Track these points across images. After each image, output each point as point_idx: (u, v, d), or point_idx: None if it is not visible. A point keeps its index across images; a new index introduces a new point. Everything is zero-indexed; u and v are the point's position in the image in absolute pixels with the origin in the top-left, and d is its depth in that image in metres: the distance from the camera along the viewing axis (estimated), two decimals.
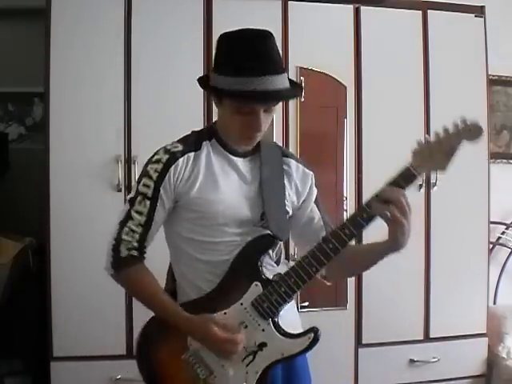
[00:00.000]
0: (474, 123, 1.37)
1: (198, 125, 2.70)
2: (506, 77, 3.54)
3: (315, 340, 1.42)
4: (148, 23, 2.67)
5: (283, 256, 1.61)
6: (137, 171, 2.63)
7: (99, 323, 2.61)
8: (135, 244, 1.47)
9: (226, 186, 1.47)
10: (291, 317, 1.53)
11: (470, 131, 1.38)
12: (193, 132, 1.57)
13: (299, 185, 1.58)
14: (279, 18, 2.79)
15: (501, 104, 3.58)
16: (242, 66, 1.35)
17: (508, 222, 3.48)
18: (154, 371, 1.49)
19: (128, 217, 1.47)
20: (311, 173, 1.61)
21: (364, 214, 1.38)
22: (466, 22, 3.01)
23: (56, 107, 2.60)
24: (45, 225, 2.60)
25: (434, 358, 2.97)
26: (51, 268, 2.60)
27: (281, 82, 1.38)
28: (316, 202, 1.61)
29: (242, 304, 1.43)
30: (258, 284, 1.43)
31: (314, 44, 2.82)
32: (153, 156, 1.50)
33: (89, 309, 2.60)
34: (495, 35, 3.11)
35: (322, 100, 2.88)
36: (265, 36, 1.39)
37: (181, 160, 1.45)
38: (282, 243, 1.59)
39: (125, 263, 1.48)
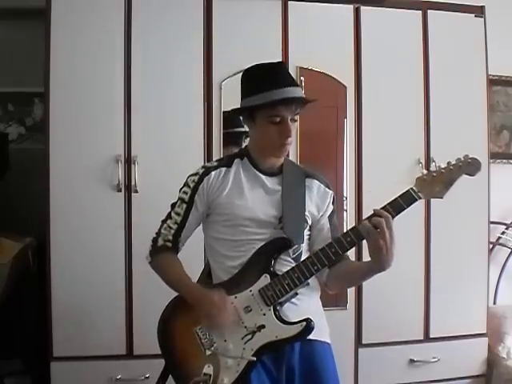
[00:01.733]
0: (474, 158, 1.62)
1: (198, 124, 2.72)
2: (506, 77, 3.54)
3: (306, 328, 1.63)
4: (148, 23, 2.67)
5: (303, 255, 1.76)
6: (137, 171, 2.63)
7: (99, 323, 2.61)
8: (170, 237, 1.78)
9: (250, 194, 1.75)
10: (315, 308, 1.78)
11: (469, 164, 1.60)
12: (228, 154, 1.92)
13: (319, 201, 1.81)
14: (279, 18, 2.79)
15: (501, 104, 3.59)
16: (273, 82, 1.68)
17: (508, 221, 3.48)
18: (169, 338, 1.75)
19: (168, 216, 1.80)
20: (331, 192, 1.85)
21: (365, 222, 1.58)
22: (466, 22, 3.01)
23: (56, 107, 2.60)
24: (45, 225, 2.60)
25: (433, 358, 2.97)
26: (51, 268, 2.60)
27: (299, 92, 1.72)
28: (330, 217, 1.82)
29: (250, 291, 1.67)
30: (267, 276, 1.67)
31: (314, 44, 2.82)
32: (193, 172, 1.81)
33: (89, 309, 2.60)
34: (495, 35, 3.11)
35: (322, 100, 2.86)
36: (280, 62, 1.87)
37: (213, 173, 1.77)
38: (303, 245, 1.78)
39: (159, 250, 1.79)
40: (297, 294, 1.69)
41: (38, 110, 3.24)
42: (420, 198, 1.61)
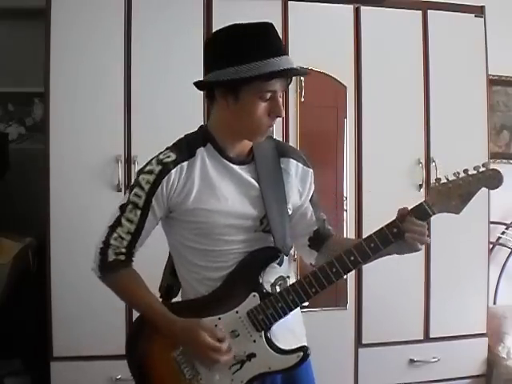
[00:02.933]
0: (495, 170, 1.41)
1: (198, 124, 2.71)
2: (506, 77, 3.54)
3: (303, 359, 1.43)
4: (148, 23, 2.67)
5: (286, 257, 1.57)
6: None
7: (99, 323, 2.61)
8: (123, 250, 1.48)
9: (223, 194, 1.45)
10: (294, 318, 1.52)
11: (490, 177, 1.40)
12: (186, 136, 1.55)
13: (299, 185, 1.57)
14: (279, 18, 2.79)
15: (501, 104, 3.58)
16: (266, 48, 1.37)
17: (508, 222, 3.48)
18: (142, 365, 1.52)
19: (118, 223, 1.48)
20: (310, 170, 1.60)
21: (372, 244, 1.40)
22: (466, 22, 3.01)
23: (56, 107, 2.60)
24: (45, 225, 2.60)
25: (433, 358, 2.97)
26: (51, 268, 2.60)
27: (293, 62, 1.41)
28: (311, 199, 1.60)
29: (237, 312, 1.43)
30: (256, 295, 1.43)
31: (314, 44, 2.82)
32: (145, 166, 1.49)
33: (89, 309, 2.60)
34: (495, 35, 3.11)
35: (322, 100, 2.88)
36: (269, 24, 1.41)
37: (173, 171, 1.44)
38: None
39: (111, 267, 1.49)
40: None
41: (38, 110, 3.24)
42: (434, 214, 1.42)
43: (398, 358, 2.94)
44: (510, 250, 3.47)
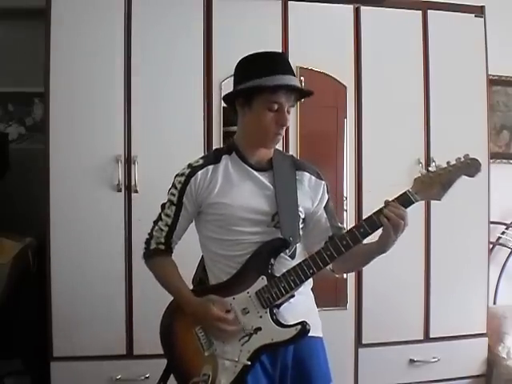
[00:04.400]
0: (473, 158, 1.57)
1: (198, 124, 2.72)
2: (506, 77, 3.54)
3: (302, 331, 1.63)
4: (148, 23, 2.67)
5: (299, 250, 1.76)
6: (137, 171, 2.63)
7: (99, 323, 2.61)
8: (162, 240, 1.77)
9: (241, 191, 1.71)
10: (308, 311, 1.76)
11: (468, 165, 1.56)
12: (215, 148, 1.89)
13: (311, 193, 1.79)
14: (279, 17, 2.79)
15: (501, 104, 3.59)
16: (275, 67, 1.66)
17: (508, 222, 3.48)
18: (170, 339, 1.77)
19: (159, 218, 1.79)
20: (323, 182, 1.82)
21: (361, 229, 1.60)
22: (466, 22, 3.01)
23: (56, 107, 2.60)
24: (45, 225, 2.60)
25: (433, 358, 2.97)
26: (51, 268, 2.60)
27: (298, 83, 1.70)
28: (326, 207, 1.80)
29: (248, 293, 1.67)
30: (264, 278, 1.66)
31: (314, 44, 2.82)
32: (179, 171, 1.77)
33: (89, 309, 2.61)
34: (495, 35, 3.12)
35: (322, 100, 2.88)
36: (282, 53, 1.82)
37: (199, 172, 1.72)
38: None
39: (152, 254, 1.79)
40: (293, 296, 1.68)
41: (38, 110, 3.24)
42: (417, 201, 1.59)
43: (398, 358, 2.94)
44: (510, 250, 3.47)
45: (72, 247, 2.60)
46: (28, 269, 2.79)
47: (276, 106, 1.66)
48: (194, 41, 2.71)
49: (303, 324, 1.63)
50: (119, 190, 2.63)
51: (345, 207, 2.86)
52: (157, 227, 1.78)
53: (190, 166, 1.76)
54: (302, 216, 1.76)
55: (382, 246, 1.62)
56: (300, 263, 1.65)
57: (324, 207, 1.80)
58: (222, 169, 1.73)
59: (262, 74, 1.64)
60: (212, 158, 1.77)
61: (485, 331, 3.07)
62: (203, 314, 1.66)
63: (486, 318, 3.07)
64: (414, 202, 1.59)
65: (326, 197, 1.82)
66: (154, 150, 2.67)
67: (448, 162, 1.58)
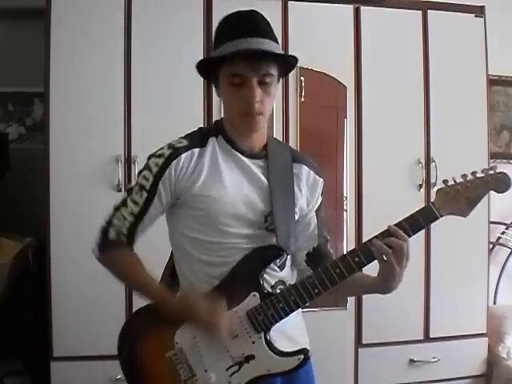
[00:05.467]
0: (503, 173, 1.37)
1: (199, 124, 2.71)
2: (506, 77, 3.54)
3: (304, 361, 1.39)
4: (148, 23, 2.67)
5: (289, 262, 1.52)
6: (137, 171, 2.63)
7: (99, 323, 2.61)
8: (125, 231, 1.44)
9: (230, 184, 1.42)
10: (294, 325, 1.49)
11: (498, 180, 1.36)
12: (200, 128, 1.54)
13: (308, 192, 1.54)
14: (279, 17, 2.79)
15: (501, 104, 3.58)
16: (236, 31, 1.37)
17: (508, 221, 3.48)
18: (136, 365, 1.44)
19: (123, 204, 1.46)
20: (321, 180, 1.57)
21: (371, 247, 1.37)
22: (466, 22, 3.01)
23: (56, 107, 2.60)
24: (45, 225, 2.60)
25: (433, 358, 2.96)
26: (51, 268, 2.60)
27: (269, 45, 1.37)
28: (317, 211, 1.57)
29: (235, 312, 1.39)
30: (257, 295, 1.39)
31: (314, 44, 2.82)
32: (157, 150, 1.47)
33: (89, 309, 2.61)
34: (495, 35, 3.11)
35: (322, 100, 2.88)
36: (255, 11, 1.45)
37: (183, 155, 1.42)
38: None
39: (111, 245, 1.45)
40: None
41: (38, 110, 3.24)
42: (442, 216, 1.39)
43: (398, 358, 2.94)
44: (510, 250, 3.47)
45: (72, 247, 2.60)
46: (28, 269, 2.79)
47: (238, 79, 1.36)
48: (194, 40, 2.70)
49: (305, 352, 1.40)
50: (119, 190, 2.63)
51: (345, 207, 2.86)
52: (119, 214, 1.45)
53: (170, 146, 1.44)
54: (296, 217, 1.50)
55: (383, 286, 1.40)
56: (302, 281, 1.38)
57: (316, 210, 1.56)
58: (209, 155, 1.44)
59: (220, 41, 1.38)
60: (198, 139, 1.46)
61: (485, 331, 3.07)
62: (190, 307, 1.36)
63: (486, 318, 3.07)
64: (437, 218, 1.39)
65: (321, 199, 1.57)
66: (153, 150, 2.66)
67: (474, 173, 1.38)
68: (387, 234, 1.36)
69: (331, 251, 1.59)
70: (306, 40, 2.81)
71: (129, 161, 2.65)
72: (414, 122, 2.95)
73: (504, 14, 3.42)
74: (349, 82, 2.87)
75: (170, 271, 1.55)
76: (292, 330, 1.47)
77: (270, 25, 1.44)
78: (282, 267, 1.48)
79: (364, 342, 2.90)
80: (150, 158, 1.47)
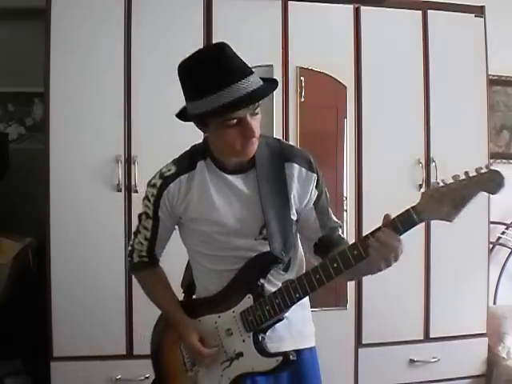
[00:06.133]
0: (495, 171, 1.24)
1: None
2: (506, 77, 3.54)
3: (283, 364, 1.47)
4: (148, 23, 2.67)
5: (294, 262, 1.59)
6: (137, 171, 2.63)
7: (99, 323, 2.61)
8: (144, 253, 1.64)
9: (220, 204, 1.51)
10: (300, 318, 1.60)
11: (489, 180, 1.24)
12: (190, 149, 1.61)
13: (300, 190, 1.55)
14: (279, 18, 2.79)
15: (501, 104, 3.58)
16: (217, 79, 1.34)
17: (508, 221, 3.48)
18: (158, 352, 1.67)
19: (138, 231, 1.64)
20: (314, 175, 1.56)
21: (355, 252, 1.36)
22: (466, 22, 3.01)
23: (56, 107, 2.60)
24: (45, 225, 2.60)
25: (433, 358, 2.97)
26: (51, 268, 2.60)
27: (254, 83, 1.37)
28: (315, 204, 1.57)
29: (233, 312, 1.52)
30: (251, 297, 1.50)
31: (314, 44, 2.82)
32: (152, 179, 1.58)
33: (89, 309, 2.61)
34: (495, 35, 3.11)
35: (322, 100, 2.88)
36: (220, 48, 1.38)
37: (172, 185, 1.53)
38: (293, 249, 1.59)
39: (136, 268, 1.68)
40: (281, 319, 1.51)
41: (38, 110, 3.24)
42: (421, 221, 1.32)
43: (397, 358, 2.94)
44: (510, 250, 3.47)
45: (72, 247, 2.60)
46: (28, 269, 2.79)
47: (234, 121, 1.38)
48: (194, 40, 2.70)
49: (286, 354, 1.47)
50: (119, 190, 2.63)
51: (345, 207, 2.86)
52: (137, 240, 1.63)
53: (161, 175, 1.54)
54: (295, 218, 1.56)
55: (370, 270, 1.40)
56: (286, 285, 1.46)
57: (314, 204, 1.56)
58: (198, 179, 1.52)
59: (203, 92, 1.36)
60: (186, 163, 1.54)
61: (485, 331, 3.07)
62: (184, 338, 1.57)
63: (486, 318, 3.07)
64: (416, 223, 1.32)
65: (316, 192, 1.56)
66: (154, 149, 2.67)
67: (466, 173, 1.27)
68: (374, 237, 1.35)
69: (342, 236, 1.60)
70: (306, 40, 2.81)
71: (129, 161, 2.65)
72: (413, 122, 2.95)
73: (504, 14, 3.42)
74: (349, 82, 2.87)
75: (191, 271, 1.70)
76: (297, 322, 1.58)
77: (236, 54, 1.40)
78: (286, 269, 1.57)
79: (364, 342, 2.90)
80: (147, 186, 1.59)
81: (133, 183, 2.64)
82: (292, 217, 1.54)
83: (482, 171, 1.25)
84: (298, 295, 1.44)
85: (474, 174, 1.26)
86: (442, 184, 1.30)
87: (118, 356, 2.65)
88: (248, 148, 1.44)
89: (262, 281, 1.51)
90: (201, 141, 1.60)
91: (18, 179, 3.04)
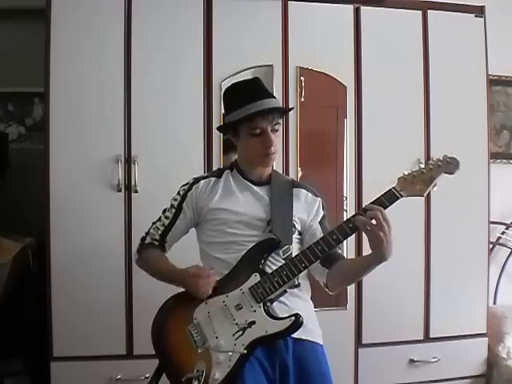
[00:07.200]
0: (452, 157, 1.69)
1: (198, 124, 2.72)
2: (506, 77, 3.54)
3: (295, 323, 1.67)
4: (148, 24, 2.67)
5: (294, 253, 1.79)
6: (137, 171, 2.63)
7: (99, 323, 2.61)
8: (157, 237, 1.92)
9: (239, 198, 1.87)
10: (306, 311, 1.79)
11: (448, 163, 1.68)
12: (218, 168, 2.10)
13: (307, 207, 1.91)
14: (279, 17, 2.79)
15: (501, 104, 3.59)
16: (249, 96, 1.81)
17: (508, 221, 3.48)
18: (164, 339, 1.78)
19: (158, 219, 1.94)
20: (319, 199, 1.95)
21: (350, 224, 1.67)
22: (466, 22, 3.01)
23: (56, 107, 2.61)
24: (45, 225, 2.60)
25: (434, 358, 2.97)
26: (51, 268, 2.60)
27: (276, 103, 1.84)
28: (321, 222, 1.91)
29: (241, 289, 1.74)
30: (257, 274, 1.74)
31: (314, 44, 2.82)
32: (186, 182, 1.94)
33: (89, 309, 2.61)
34: (495, 35, 3.12)
35: (322, 100, 2.88)
36: (255, 78, 1.92)
37: (202, 182, 1.91)
38: (292, 246, 1.84)
39: (146, 247, 1.93)
40: (286, 291, 1.75)
41: (38, 110, 3.24)
42: (402, 197, 1.68)
43: (397, 358, 2.94)
44: (510, 250, 3.47)
45: (72, 247, 2.60)
46: (28, 269, 2.79)
47: (258, 131, 1.80)
48: (194, 41, 2.71)
49: (297, 316, 1.68)
50: (119, 190, 2.63)
51: (345, 207, 2.86)
52: (154, 226, 1.94)
53: (195, 177, 1.94)
54: (298, 227, 1.88)
55: (378, 254, 1.63)
56: (292, 258, 1.72)
57: (320, 222, 1.90)
58: (223, 181, 1.91)
59: (237, 105, 1.81)
60: (216, 173, 1.96)
61: (485, 331, 3.07)
62: (186, 276, 1.74)
63: (486, 318, 3.07)
64: (398, 198, 1.68)
65: (322, 212, 1.93)
66: (154, 149, 2.67)
67: (429, 162, 1.71)
68: (364, 211, 1.65)
69: (341, 253, 1.91)
70: (306, 40, 2.81)
71: (129, 161, 2.65)
72: (414, 122, 2.95)
73: (504, 14, 3.43)
74: (349, 82, 2.87)
75: None
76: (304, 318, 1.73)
77: (264, 85, 1.90)
78: (286, 259, 1.78)
79: (364, 342, 2.90)
80: (180, 187, 1.94)
81: (133, 183, 2.64)
82: (295, 223, 1.86)
83: (442, 158, 1.70)
84: (303, 265, 1.69)
85: (435, 161, 1.70)
86: (411, 170, 1.70)
87: (117, 356, 2.65)
88: (266, 156, 1.83)
89: (265, 262, 1.77)
90: (201, 141, 1.94)
91: (18, 179, 3.04)
